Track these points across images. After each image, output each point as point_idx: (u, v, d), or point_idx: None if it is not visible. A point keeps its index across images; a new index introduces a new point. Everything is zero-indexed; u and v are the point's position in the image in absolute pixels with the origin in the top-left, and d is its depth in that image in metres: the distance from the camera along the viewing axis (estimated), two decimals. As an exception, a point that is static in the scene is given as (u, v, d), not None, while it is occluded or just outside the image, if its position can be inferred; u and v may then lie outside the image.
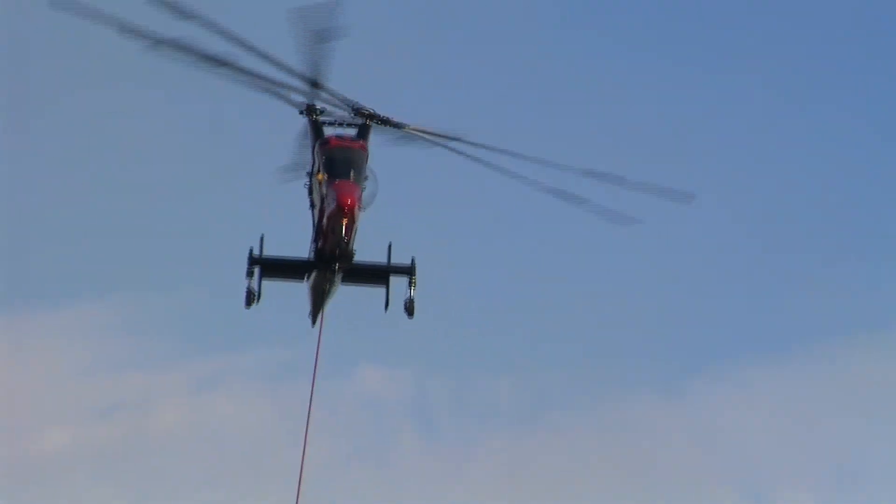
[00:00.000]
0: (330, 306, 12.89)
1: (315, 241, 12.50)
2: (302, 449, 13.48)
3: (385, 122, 12.89)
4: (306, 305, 13.08)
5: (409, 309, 12.88)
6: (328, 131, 13.07)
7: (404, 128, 12.91)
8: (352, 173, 12.38)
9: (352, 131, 13.13)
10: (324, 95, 13.04)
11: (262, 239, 12.76)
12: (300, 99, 12.78)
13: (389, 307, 12.83)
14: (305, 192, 13.07)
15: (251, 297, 12.75)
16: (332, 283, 12.67)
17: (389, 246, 12.84)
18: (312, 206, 12.83)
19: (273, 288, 12.67)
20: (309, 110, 13.04)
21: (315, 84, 12.33)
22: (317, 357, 13.00)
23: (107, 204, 31.81)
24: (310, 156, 13.01)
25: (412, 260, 12.84)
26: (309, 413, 13.45)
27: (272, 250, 12.71)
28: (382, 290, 12.79)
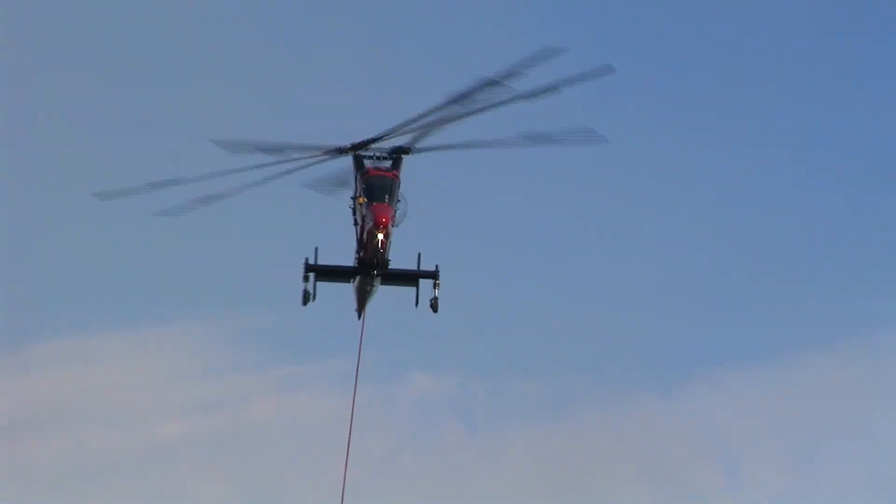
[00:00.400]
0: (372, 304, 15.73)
1: (358, 251, 15.22)
2: (347, 437, 15.94)
3: (408, 150, 15.62)
4: (353, 303, 15.91)
5: (434, 306, 15.55)
6: (367, 163, 15.85)
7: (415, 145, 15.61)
8: (386, 197, 15.11)
9: (387, 163, 15.91)
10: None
11: (315, 251, 15.57)
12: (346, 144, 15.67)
13: (419, 305, 15.49)
14: (350, 212, 15.85)
15: (307, 297, 15.59)
16: (371, 285, 15.38)
17: (419, 255, 15.55)
18: (356, 223, 15.59)
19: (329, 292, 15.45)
20: (353, 148, 15.83)
21: (358, 146, 15.25)
22: (360, 351, 15.67)
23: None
24: (354, 184, 15.76)
25: (436, 267, 15.49)
26: (353, 400, 16.02)
27: (325, 259, 15.48)
28: (413, 290, 15.46)
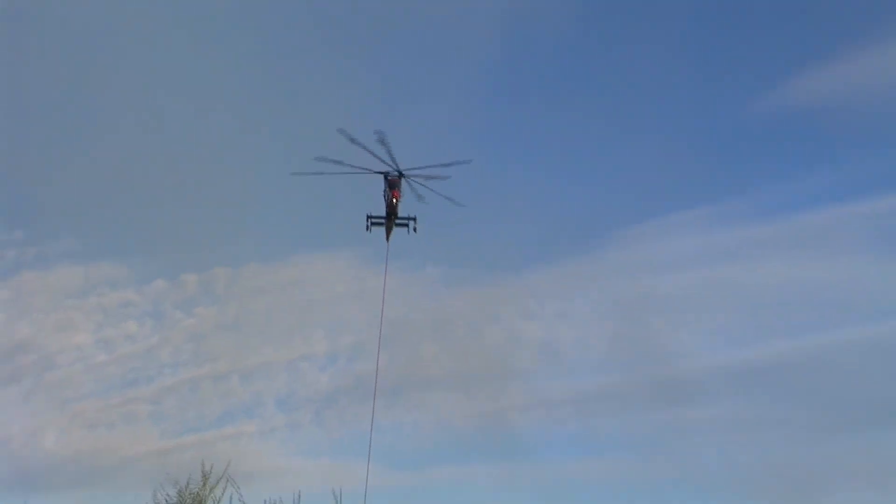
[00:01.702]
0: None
1: (386, 210, 33.59)
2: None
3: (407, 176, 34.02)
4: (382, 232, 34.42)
5: (416, 230, 33.64)
6: (389, 177, 34.48)
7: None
8: (398, 189, 33.90)
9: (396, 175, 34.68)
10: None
11: (368, 214, 33.92)
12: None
13: (409, 232, 33.56)
14: (381, 197, 34.47)
15: (368, 228, 33.83)
16: (391, 225, 33.97)
17: (415, 218, 34.08)
18: (385, 200, 34.01)
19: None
20: (385, 175, 34.30)
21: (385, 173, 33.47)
22: (387, 253, 33.59)
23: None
24: (385, 184, 34.31)
25: (415, 217, 33.38)
26: (385, 278, 34.66)
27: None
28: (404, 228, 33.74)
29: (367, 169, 30.14)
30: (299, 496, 20.33)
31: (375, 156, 28.61)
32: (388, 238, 33.20)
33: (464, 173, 30.04)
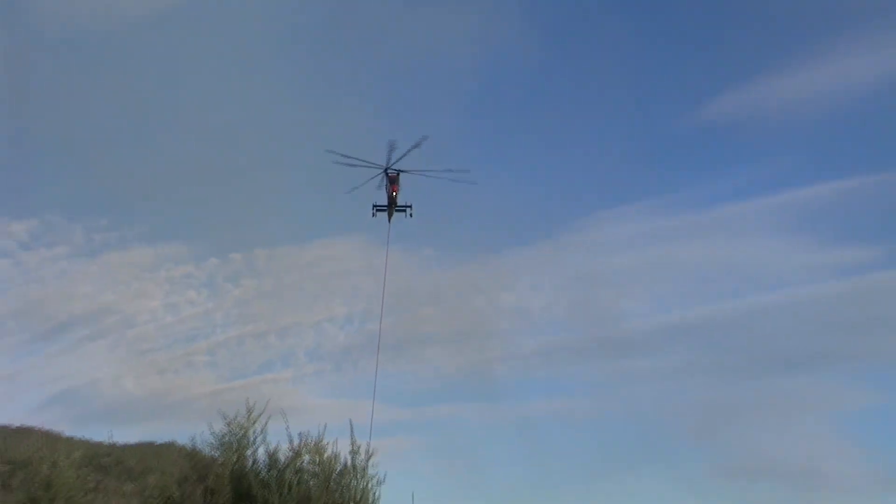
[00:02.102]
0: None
1: (387, 200, 36.15)
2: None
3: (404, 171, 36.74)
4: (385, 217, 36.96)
5: (411, 215, 36.25)
6: (389, 173, 37.26)
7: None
8: (396, 184, 36.44)
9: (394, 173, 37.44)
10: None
11: (374, 203, 36.28)
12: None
13: (407, 217, 36.28)
14: (384, 190, 36.91)
15: (373, 214, 36.25)
16: (392, 210, 36.45)
17: (411, 205, 36.64)
18: (386, 192, 36.49)
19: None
20: (385, 171, 37.12)
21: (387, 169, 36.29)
22: (388, 233, 36.17)
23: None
24: (386, 178, 36.82)
25: (411, 204, 36.34)
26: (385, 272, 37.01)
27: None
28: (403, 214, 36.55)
29: (372, 164, 33.64)
30: (325, 428, 22.10)
31: (368, 163, 31.78)
32: (389, 220, 36.38)
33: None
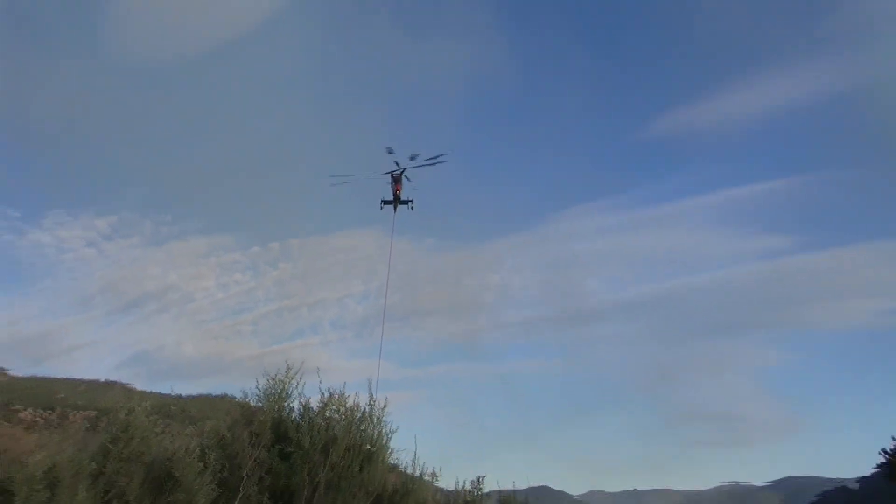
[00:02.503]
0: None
1: (392, 195, 41.69)
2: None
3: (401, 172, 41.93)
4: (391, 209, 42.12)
5: (412, 208, 41.64)
6: (394, 174, 42.49)
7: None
8: (399, 183, 41.87)
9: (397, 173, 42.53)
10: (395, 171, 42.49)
11: (382, 199, 41.76)
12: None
13: (410, 210, 41.53)
14: (389, 188, 42.22)
15: (382, 207, 41.55)
16: (397, 204, 41.83)
17: (412, 200, 42.11)
18: (392, 188, 41.85)
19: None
20: (391, 174, 42.43)
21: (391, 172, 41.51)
22: (393, 222, 41.33)
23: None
24: (391, 179, 42.14)
25: (412, 199, 41.67)
26: (392, 240, 42.49)
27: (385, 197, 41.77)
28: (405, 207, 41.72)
29: (376, 172, 39.59)
30: (344, 385, 25.93)
31: (368, 174, 37.71)
32: (394, 210, 42.98)
33: (452, 178, 39.93)
